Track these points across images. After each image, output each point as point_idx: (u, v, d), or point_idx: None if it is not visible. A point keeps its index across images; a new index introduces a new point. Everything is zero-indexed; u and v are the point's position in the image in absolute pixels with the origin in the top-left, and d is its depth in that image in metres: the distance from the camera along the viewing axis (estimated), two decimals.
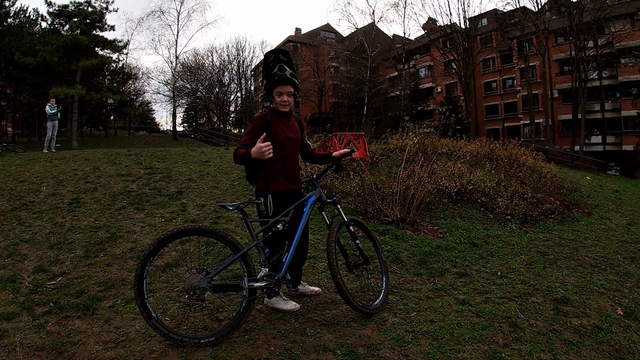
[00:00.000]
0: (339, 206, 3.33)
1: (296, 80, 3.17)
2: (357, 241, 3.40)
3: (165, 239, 2.78)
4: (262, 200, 3.13)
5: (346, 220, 3.34)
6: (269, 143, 2.84)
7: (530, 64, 32.59)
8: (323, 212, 3.43)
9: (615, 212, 8.62)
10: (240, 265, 2.93)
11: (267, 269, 2.94)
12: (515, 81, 38.12)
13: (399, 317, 3.16)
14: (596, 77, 31.51)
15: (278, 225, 2.98)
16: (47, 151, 13.16)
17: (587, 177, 15.19)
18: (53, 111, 14.05)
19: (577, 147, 29.88)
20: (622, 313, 3.36)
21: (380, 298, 3.34)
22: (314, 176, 3.37)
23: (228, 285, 2.95)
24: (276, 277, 2.92)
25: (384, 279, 3.49)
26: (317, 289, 3.62)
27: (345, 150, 3.33)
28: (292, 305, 3.22)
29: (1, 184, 7.38)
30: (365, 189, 6.60)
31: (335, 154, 3.32)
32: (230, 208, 2.88)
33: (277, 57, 3.12)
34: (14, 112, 38.07)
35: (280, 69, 3.09)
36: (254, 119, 3.12)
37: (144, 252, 2.75)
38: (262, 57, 47.08)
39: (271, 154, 2.85)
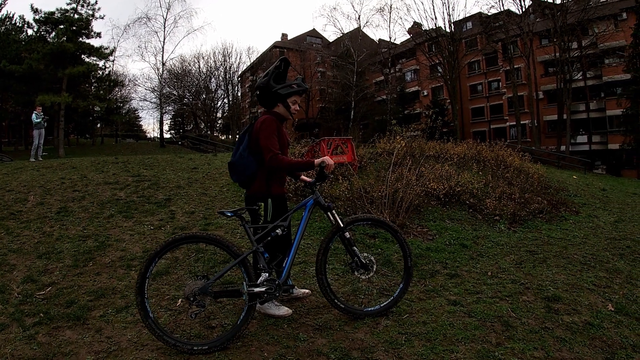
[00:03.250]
0: (334, 212, 3.22)
1: None
2: (354, 247, 3.26)
3: (173, 242, 2.82)
4: (261, 205, 3.12)
5: (342, 225, 3.20)
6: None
7: (515, 66, 33.09)
8: (328, 213, 3.28)
9: (602, 210, 8.74)
10: (240, 271, 2.94)
11: (267, 274, 2.95)
12: (500, 83, 38.64)
13: (391, 319, 3.17)
14: (581, 77, 32.08)
15: (277, 230, 2.99)
16: (34, 160, 12.98)
17: (574, 177, 15.35)
18: (39, 119, 13.84)
19: (563, 147, 30.33)
20: (612, 309, 3.40)
21: (384, 303, 3.28)
22: (312, 181, 3.32)
23: (228, 291, 2.95)
24: (277, 282, 2.93)
25: (401, 286, 3.37)
26: (307, 290, 3.66)
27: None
28: (284, 310, 3.22)
29: None
30: (354, 192, 6.60)
31: (315, 161, 3.10)
32: (229, 214, 2.88)
33: (286, 65, 3.19)
34: (0, 121, 37.55)
35: (303, 80, 3.23)
36: (269, 122, 3.09)
37: (150, 253, 2.78)
38: (248, 63, 47.48)
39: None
